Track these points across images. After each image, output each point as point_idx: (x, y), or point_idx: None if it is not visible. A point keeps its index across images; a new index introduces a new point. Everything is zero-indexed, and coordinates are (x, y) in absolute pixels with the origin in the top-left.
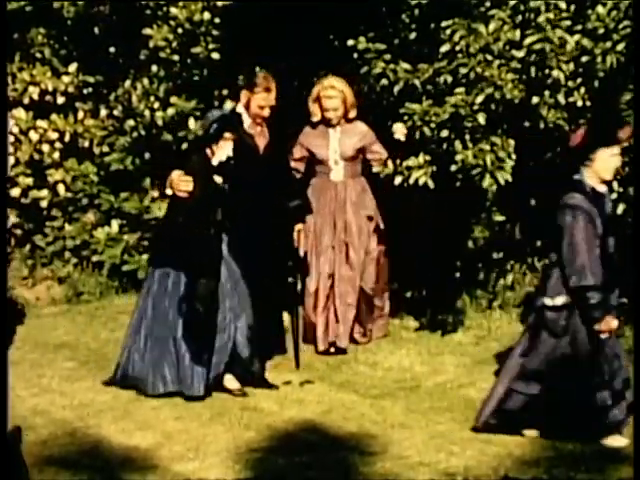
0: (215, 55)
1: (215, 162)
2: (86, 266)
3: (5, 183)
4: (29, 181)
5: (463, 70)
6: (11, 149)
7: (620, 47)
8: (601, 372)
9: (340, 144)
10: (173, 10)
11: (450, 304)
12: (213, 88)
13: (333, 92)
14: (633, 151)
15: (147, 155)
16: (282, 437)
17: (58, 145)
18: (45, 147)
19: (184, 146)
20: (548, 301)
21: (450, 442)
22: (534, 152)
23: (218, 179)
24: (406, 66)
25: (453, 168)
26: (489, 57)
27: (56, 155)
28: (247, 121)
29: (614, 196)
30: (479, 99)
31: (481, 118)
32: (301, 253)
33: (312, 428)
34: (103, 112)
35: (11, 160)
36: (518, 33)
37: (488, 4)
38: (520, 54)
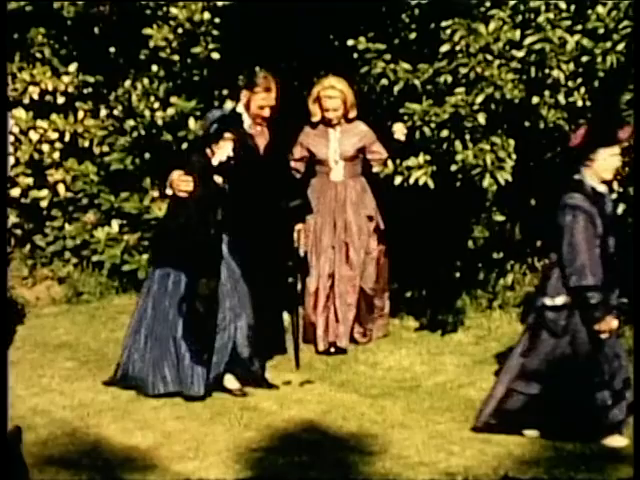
0: (215, 55)
1: (215, 162)
2: (86, 266)
3: (5, 183)
4: (29, 181)
5: (463, 70)
6: (11, 149)
7: (620, 47)
8: (601, 372)
9: (340, 144)
10: (173, 10)
11: (450, 304)
12: (213, 88)
13: (333, 92)
14: (633, 151)
15: (147, 155)
16: (282, 437)
17: (58, 145)
18: (45, 147)
19: (184, 146)
20: (548, 301)
21: (450, 442)
22: (534, 152)
23: (218, 179)
24: (406, 66)
25: (453, 168)
26: (489, 57)
27: (56, 155)
28: (247, 121)
29: (614, 196)
30: (479, 99)
31: (481, 118)
32: (301, 253)
33: (312, 428)
34: (103, 112)
35: (11, 160)
36: (518, 33)
37: (488, 4)
38: (520, 54)
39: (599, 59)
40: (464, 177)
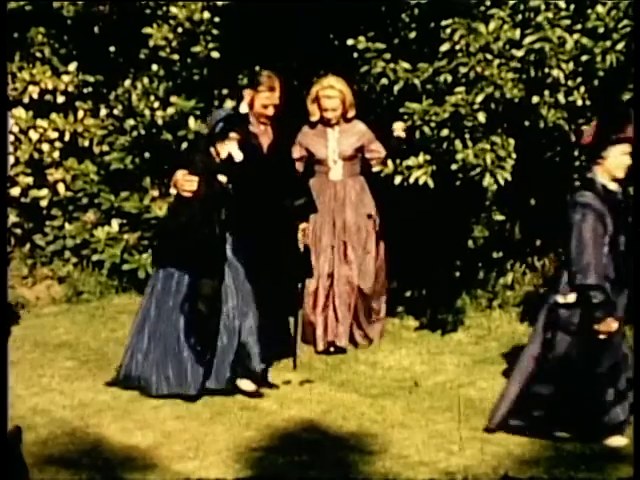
0: (215, 54)
1: (219, 161)
2: (86, 265)
3: (5, 182)
4: (29, 180)
5: (463, 69)
6: (11, 148)
7: (620, 46)
8: (609, 371)
9: (339, 143)
10: (173, 9)
11: (450, 303)
12: (213, 87)
13: (332, 92)
14: (633, 151)
15: (147, 154)
16: (282, 436)
17: (58, 144)
18: (45, 146)
19: (184, 145)
20: (560, 299)
21: (450, 441)
22: (534, 151)
23: (222, 178)
24: (406, 65)
25: (454, 167)
26: (489, 56)
27: (56, 154)
28: (251, 120)
29: None
30: (479, 98)
31: (481, 117)
32: (301, 247)
33: (312, 427)
34: (103, 111)
35: (11, 159)
36: (518, 32)
37: (488, 3)
38: (520, 53)
39: (599, 58)
40: (464, 176)
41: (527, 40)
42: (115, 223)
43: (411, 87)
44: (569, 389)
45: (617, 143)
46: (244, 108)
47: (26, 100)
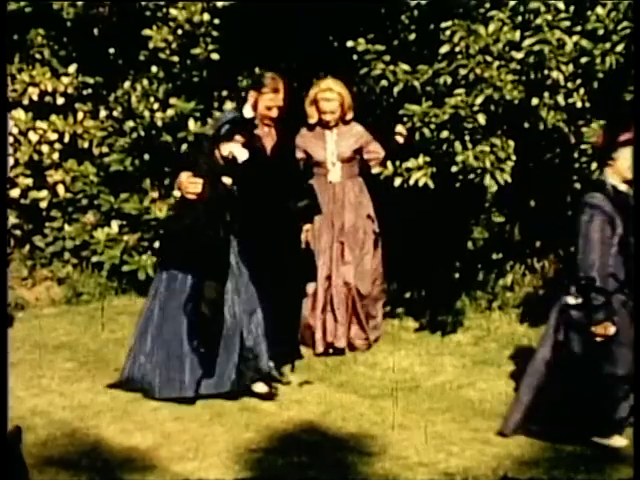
0: (215, 56)
1: (223, 164)
2: (86, 267)
3: (5, 184)
4: (29, 182)
5: (463, 71)
6: (11, 150)
7: (619, 48)
8: (619, 371)
9: (337, 146)
10: (173, 11)
11: (449, 305)
12: (213, 89)
13: (331, 94)
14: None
15: (147, 156)
16: (281, 437)
17: (57, 146)
18: (44, 148)
19: (184, 147)
20: (571, 300)
21: (449, 442)
22: (534, 153)
23: (227, 181)
24: (406, 67)
25: (454, 169)
26: (489, 58)
27: (55, 156)
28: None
29: None
30: (479, 100)
31: (481, 119)
32: (302, 245)
33: (311, 428)
34: (103, 113)
35: (11, 161)
36: (518, 34)
37: (488, 5)
38: (519, 55)
39: (598, 60)
40: (464, 178)
41: (527, 42)
42: (115, 224)
43: (411, 89)
44: (584, 390)
45: (627, 144)
46: (248, 110)
47: (26, 102)
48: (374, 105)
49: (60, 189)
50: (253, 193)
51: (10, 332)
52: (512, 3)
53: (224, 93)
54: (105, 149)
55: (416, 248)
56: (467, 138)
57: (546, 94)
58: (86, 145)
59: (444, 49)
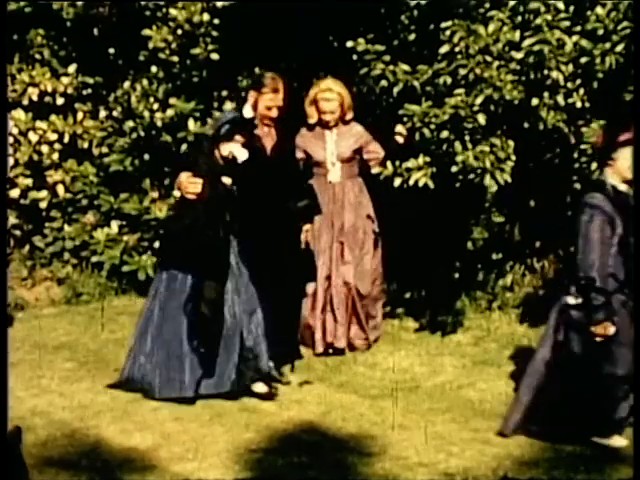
0: (214, 56)
1: (223, 164)
2: (85, 267)
3: (5, 184)
4: (28, 182)
5: (462, 71)
6: (10, 150)
7: (619, 48)
8: (619, 371)
9: (337, 146)
10: (172, 11)
11: (449, 305)
12: (212, 89)
13: (331, 94)
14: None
15: (146, 156)
16: (281, 438)
17: (57, 146)
18: (44, 148)
19: (183, 147)
20: (571, 300)
21: (449, 443)
22: (533, 153)
23: (227, 181)
24: (405, 67)
25: (454, 169)
26: (488, 58)
27: (55, 156)
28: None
29: None
30: (478, 100)
31: (481, 119)
32: (302, 245)
33: (311, 429)
34: (102, 113)
35: (10, 161)
36: (517, 34)
37: (487, 5)
38: (519, 55)
39: (598, 60)
40: (464, 178)
41: (526, 42)
42: (115, 225)
43: (410, 89)
44: (584, 390)
45: (627, 144)
46: (248, 110)
47: (25, 102)
48: (374, 105)
49: (60, 189)
50: (253, 193)
51: (10, 332)
52: (512, 3)
53: (224, 93)
54: (105, 149)
55: (416, 248)
56: (467, 138)
57: (546, 94)
58: (86, 145)
59: (444, 49)
